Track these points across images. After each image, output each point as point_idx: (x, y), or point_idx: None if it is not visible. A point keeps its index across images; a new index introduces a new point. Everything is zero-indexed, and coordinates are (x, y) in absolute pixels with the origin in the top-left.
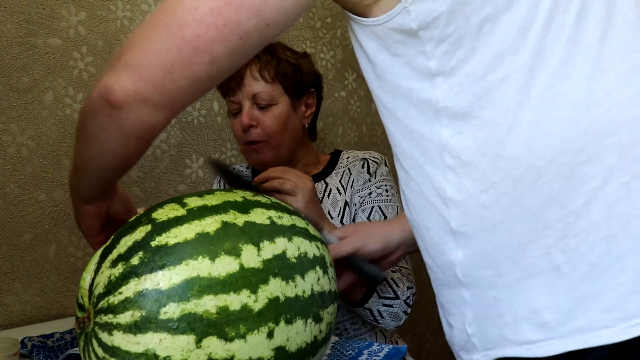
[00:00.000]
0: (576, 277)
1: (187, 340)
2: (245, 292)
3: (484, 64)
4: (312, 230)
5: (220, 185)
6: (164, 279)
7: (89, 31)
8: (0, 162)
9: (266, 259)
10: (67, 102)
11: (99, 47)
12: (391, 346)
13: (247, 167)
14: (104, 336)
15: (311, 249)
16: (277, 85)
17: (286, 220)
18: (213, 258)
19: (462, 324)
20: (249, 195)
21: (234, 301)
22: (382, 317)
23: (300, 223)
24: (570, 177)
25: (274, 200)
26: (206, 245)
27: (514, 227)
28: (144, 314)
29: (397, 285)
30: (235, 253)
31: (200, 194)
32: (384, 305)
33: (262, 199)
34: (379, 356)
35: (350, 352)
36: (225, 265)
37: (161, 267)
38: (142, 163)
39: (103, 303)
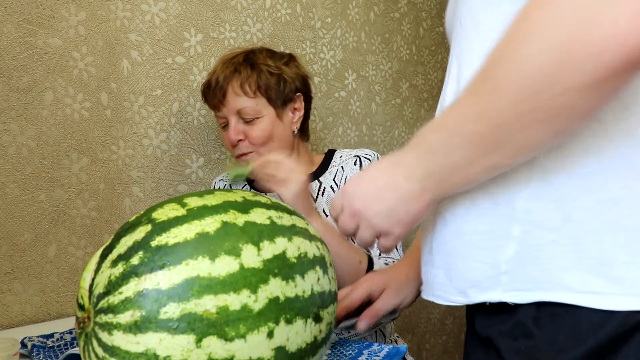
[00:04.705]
0: None
1: (187, 340)
2: (245, 292)
3: None
4: (312, 230)
5: (220, 186)
6: (164, 278)
7: (89, 31)
8: (0, 162)
9: (266, 258)
10: (67, 102)
11: (99, 47)
12: (391, 346)
13: None
14: (103, 336)
15: (311, 249)
16: (260, 99)
17: (286, 220)
18: (213, 258)
19: (494, 259)
20: (249, 195)
21: (234, 301)
22: None
23: (301, 223)
24: None
25: (273, 200)
26: (206, 245)
27: (610, 180)
28: (144, 313)
29: None
30: (235, 253)
31: (200, 194)
32: None
33: (262, 199)
34: (378, 356)
35: (350, 352)
36: (225, 265)
37: (161, 267)
38: (142, 163)
39: (103, 303)
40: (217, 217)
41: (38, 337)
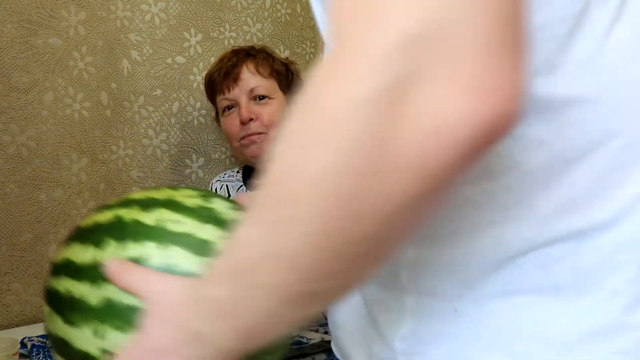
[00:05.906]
0: (581, 306)
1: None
2: (86, 284)
3: None
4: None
5: (217, 186)
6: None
7: (89, 31)
8: (0, 162)
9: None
10: (67, 102)
11: (99, 47)
12: None
13: (238, 172)
14: None
15: (189, 265)
16: (272, 81)
17: (180, 227)
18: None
19: (390, 336)
20: (186, 195)
21: (82, 290)
22: None
23: (205, 234)
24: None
25: (215, 206)
26: (81, 233)
27: (505, 229)
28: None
29: None
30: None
31: (159, 189)
32: None
33: (192, 203)
34: None
35: None
36: (85, 254)
37: (66, 246)
38: (143, 163)
39: None
40: (116, 211)
41: (38, 337)
